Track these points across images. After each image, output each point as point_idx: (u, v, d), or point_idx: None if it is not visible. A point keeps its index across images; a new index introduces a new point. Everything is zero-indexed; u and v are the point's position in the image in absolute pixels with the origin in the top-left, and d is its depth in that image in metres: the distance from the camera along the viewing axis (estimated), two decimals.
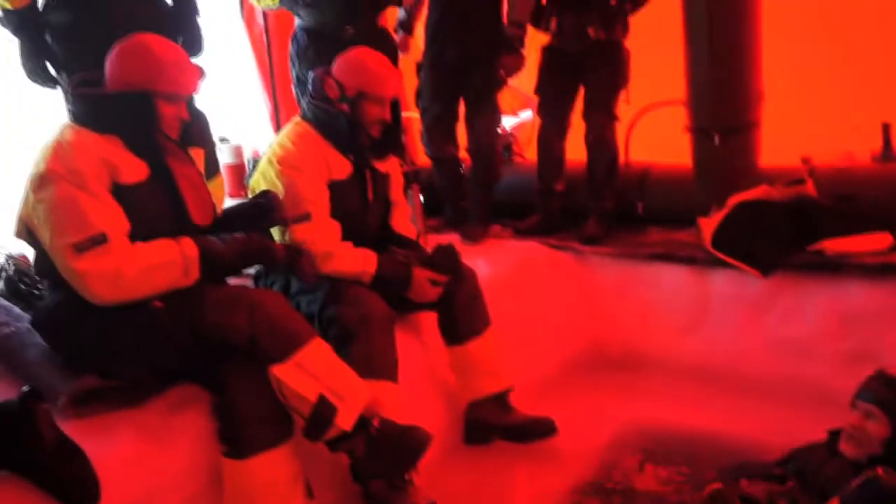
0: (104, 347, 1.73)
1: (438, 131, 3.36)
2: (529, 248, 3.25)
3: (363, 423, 1.77)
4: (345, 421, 1.72)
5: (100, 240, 1.64)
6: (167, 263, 1.71)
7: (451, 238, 3.32)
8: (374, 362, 1.93)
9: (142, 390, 1.79)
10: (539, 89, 3.34)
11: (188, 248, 1.74)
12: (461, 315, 2.35)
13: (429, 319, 2.46)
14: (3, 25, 2.33)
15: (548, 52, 3.28)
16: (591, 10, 3.03)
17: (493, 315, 2.46)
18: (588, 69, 3.16)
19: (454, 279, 2.26)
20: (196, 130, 1.95)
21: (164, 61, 1.78)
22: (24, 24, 2.32)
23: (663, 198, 3.38)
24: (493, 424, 2.37)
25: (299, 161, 2.13)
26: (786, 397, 2.54)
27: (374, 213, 2.33)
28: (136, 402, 1.76)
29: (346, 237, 2.17)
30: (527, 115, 4.08)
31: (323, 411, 1.70)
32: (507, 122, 3.96)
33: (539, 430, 2.34)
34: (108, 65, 1.81)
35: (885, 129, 3.09)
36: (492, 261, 3.00)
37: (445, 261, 2.26)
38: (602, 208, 3.30)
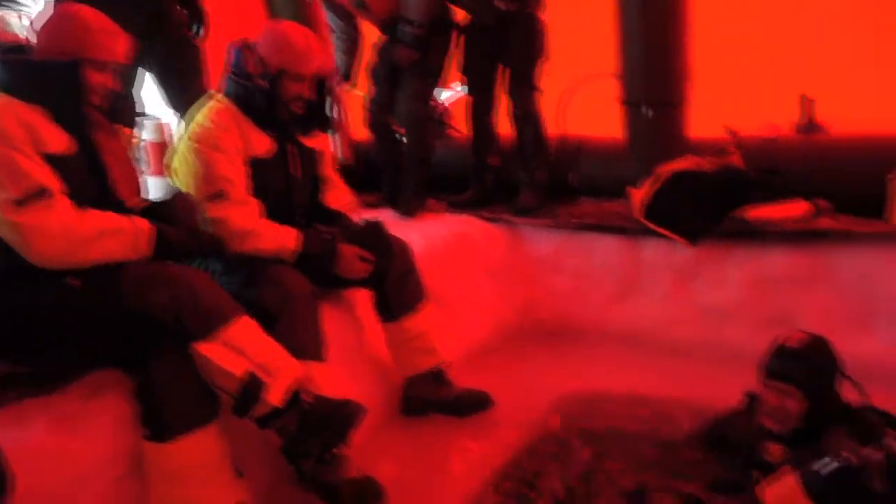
0: (17, 329, 1.65)
1: (379, 102, 3.41)
2: (464, 221, 3.26)
3: (294, 399, 1.74)
4: (275, 397, 1.69)
5: (42, 194, 1.59)
6: (116, 231, 1.68)
7: (387, 213, 3.33)
8: (299, 343, 1.88)
9: (57, 376, 1.70)
10: (463, 69, 3.38)
11: (139, 222, 1.73)
12: (395, 292, 2.33)
13: (363, 296, 2.43)
14: None
15: (465, 31, 3.31)
16: None
17: (428, 288, 2.45)
18: (505, 44, 3.19)
19: (384, 256, 2.23)
20: (125, 109, 1.90)
21: (93, 28, 1.72)
22: None
23: (596, 169, 3.44)
24: (429, 399, 2.38)
25: (216, 138, 2.06)
26: (711, 359, 2.64)
27: (301, 190, 2.28)
28: (51, 389, 1.67)
29: (271, 215, 2.11)
30: (462, 88, 4.05)
31: (251, 388, 1.66)
32: (442, 96, 3.93)
33: (475, 403, 2.39)
34: (38, 33, 1.75)
35: (805, 101, 3.20)
36: (427, 234, 2.99)
37: (373, 237, 2.23)
38: (534, 180, 3.34)
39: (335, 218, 2.33)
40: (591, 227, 3.09)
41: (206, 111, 2.13)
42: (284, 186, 2.20)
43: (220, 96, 2.17)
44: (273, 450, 1.90)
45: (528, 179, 3.34)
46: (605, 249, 3.08)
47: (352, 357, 2.34)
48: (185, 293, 1.64)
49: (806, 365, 1.76)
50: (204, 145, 2.05)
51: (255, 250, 2.06)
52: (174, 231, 1.78)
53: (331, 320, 2.19)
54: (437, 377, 2.39)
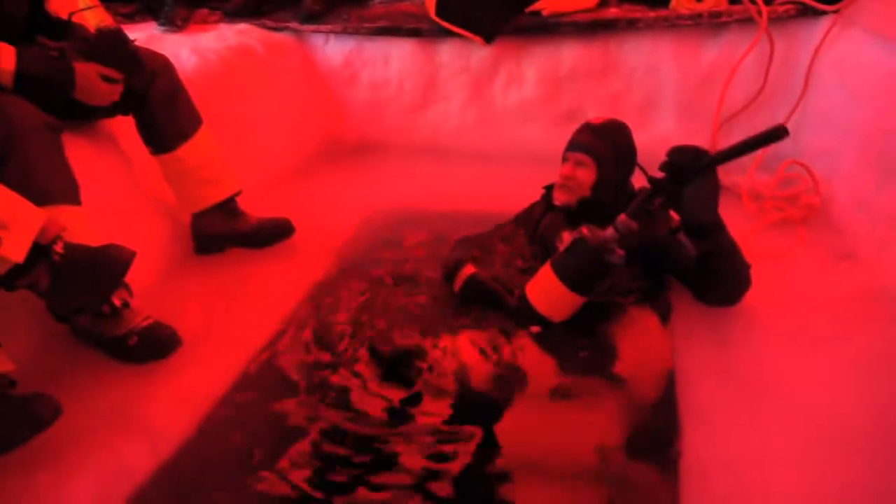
0: None
1: None
2: (243, 32, 2.88)
3: (41, 251, 1.46)
4: (12, 252, 1.40)
5: None
6: None
7: (148, 27, 2.85)
8: (39, 186, 1.55)
9: None
10: None
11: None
12: (162, 117, 1.99)
13: (126, 124, 2.07)
14: None
15: None
16: None
17: (209, 114, 2.14)
18: None
19: (134, 72, 1.86)
20: None
21: None
22: None
23: None
24: (223, 234, 2.17)
25: None
26: (512, 160, 2.66)
27: None
28: None
29: None
30: None
31: None
32: None
33: (276, 233, 2.22)
34: None
35: None
36: (199, 50, 2.59)
37: (114, 50, 1.82)
38: None
39: (64, 29, 1.88)
40: (385, 31, 2.86)
41: None
42: None
43: None
44: (40, 308, 1.65)
45: None
46: (401, 55, 2.89)
47: (121, 197, 2.03)
48: None
49: (602, 138, 1.85)
50: None
51: None
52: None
53: (86, 157, 1.86)
54: (228, 209, 2.17)
